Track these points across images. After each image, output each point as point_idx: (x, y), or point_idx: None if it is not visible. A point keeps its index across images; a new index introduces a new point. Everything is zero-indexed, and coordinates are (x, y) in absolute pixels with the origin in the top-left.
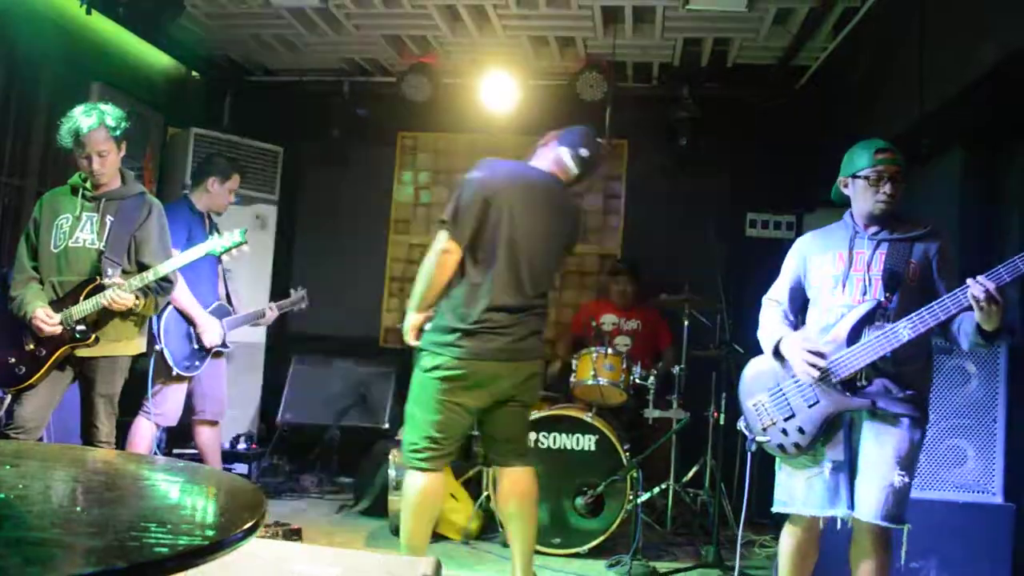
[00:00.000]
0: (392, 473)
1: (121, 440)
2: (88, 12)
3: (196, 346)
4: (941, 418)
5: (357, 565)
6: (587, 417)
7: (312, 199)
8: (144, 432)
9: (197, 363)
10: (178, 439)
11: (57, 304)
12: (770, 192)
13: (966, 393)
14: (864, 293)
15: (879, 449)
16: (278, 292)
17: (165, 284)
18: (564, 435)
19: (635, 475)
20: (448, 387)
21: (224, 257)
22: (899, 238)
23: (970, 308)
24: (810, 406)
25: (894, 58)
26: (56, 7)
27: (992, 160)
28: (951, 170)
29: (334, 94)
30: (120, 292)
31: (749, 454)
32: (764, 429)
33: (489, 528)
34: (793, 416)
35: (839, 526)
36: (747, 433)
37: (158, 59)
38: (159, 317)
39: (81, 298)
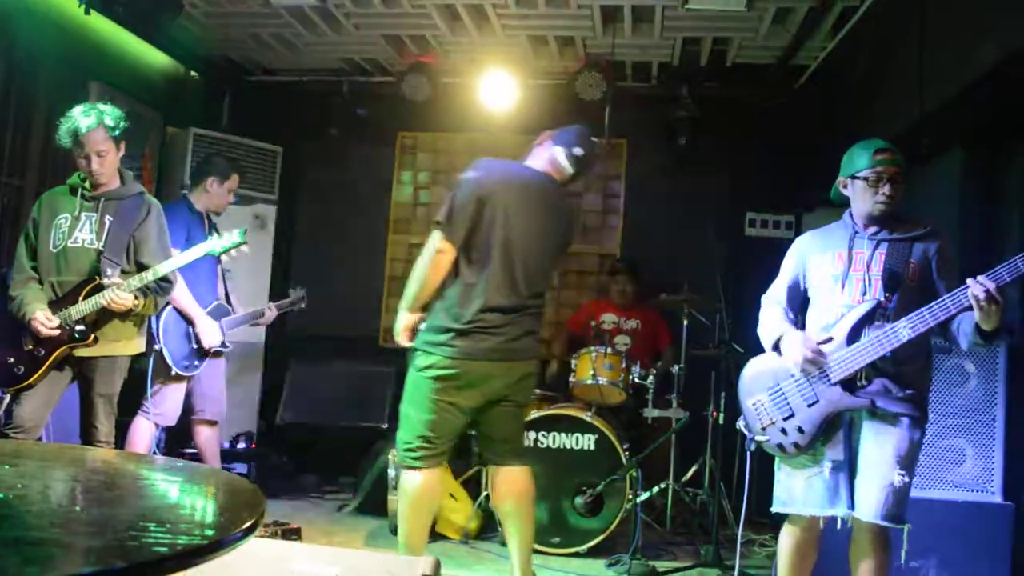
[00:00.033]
0: (391, 472)
1: (120, 440)
2: (87, 12)
3: (195, 346)
4: (940, 417)
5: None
6: (586, 416)
7: (311, 199)
8: (143, 432)
9: (196, 363)
10: (177, 439)
11: (56, 304)
12: (769, 192)
13: (965, 392)
14: (864, 293)
15: (879, 449)
16: (277, 292)
17: (164, 284)
18: (563, 434)
19: (634, 474)
20: (441, 386)
21: (223, 257)
22: (899, 238)
23: (970, 308)
24: (809, 405)
25: (893, 57)
26: (55, 7)
27: (992, 160)
28: (951, 170)
29: (333, 94)
30: (119, 292)
31: (748, 453)
32: (763, 428)
33: (488, 527)
34: (792, 415)
35: (839, 526)
36: (746, 432)
37: (157, 59)
38: (158, 317)
39: (80, 298)
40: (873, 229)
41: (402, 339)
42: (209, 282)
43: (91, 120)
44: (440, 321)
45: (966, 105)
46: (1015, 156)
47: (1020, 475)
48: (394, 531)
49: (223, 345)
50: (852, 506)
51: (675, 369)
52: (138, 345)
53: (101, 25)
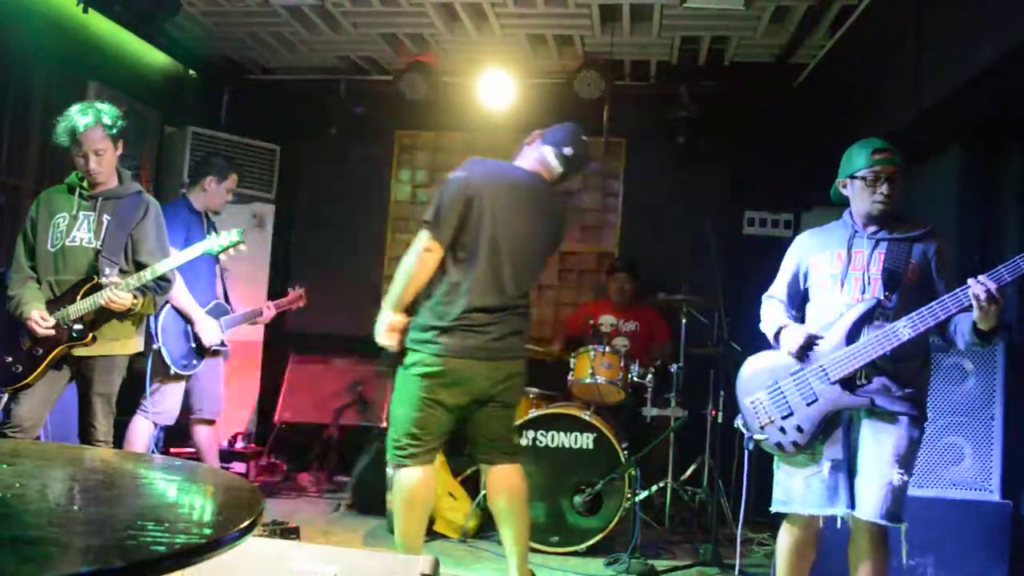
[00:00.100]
0: (389, 472)
1: (119, 439)
2: (85, 10)
3: (193, 345)
4: (938, 415)
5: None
6: (585, 415)
7: (310, 198)
8: (142, 431)
9: (194, 362)
10: (175, 438)
11: (54, 303)
12: (768, 190)
13: (964, 391)
14: (862, 292)
15: (878, 447)
16: (275, 291)
17: (163, 283)
18: (562, 433)
19: (633, 473)
20: (427, 384)
21: (221, 256)
22: (898, 238)
23: (970, 308)
24: (808, 404)
25: (891, 56)
26: (52, 5)
27: (990, 158)
28: (949, 168)
29: (331, 93)
30: (117, 291)
31: (747, 452)
32: (762, 427)
33: (487, 526)
34: (791, 414)
35: (839, 525)
36: (744, 431)
37: (155, 57)
38: (157, 316)
39: (78, 297)
40: (872, 228)
41: (384, 338)
42: (208, 281)
43: (89, 119)
44: (425, 319)
45: (964, 103)
46: (1013, 154)
47: (1018, 473)
48: (392, 530)
49: (222, 345)
50: (851, 505)
51: (674, 368)
52: (136, 344)
53: (99, 24)
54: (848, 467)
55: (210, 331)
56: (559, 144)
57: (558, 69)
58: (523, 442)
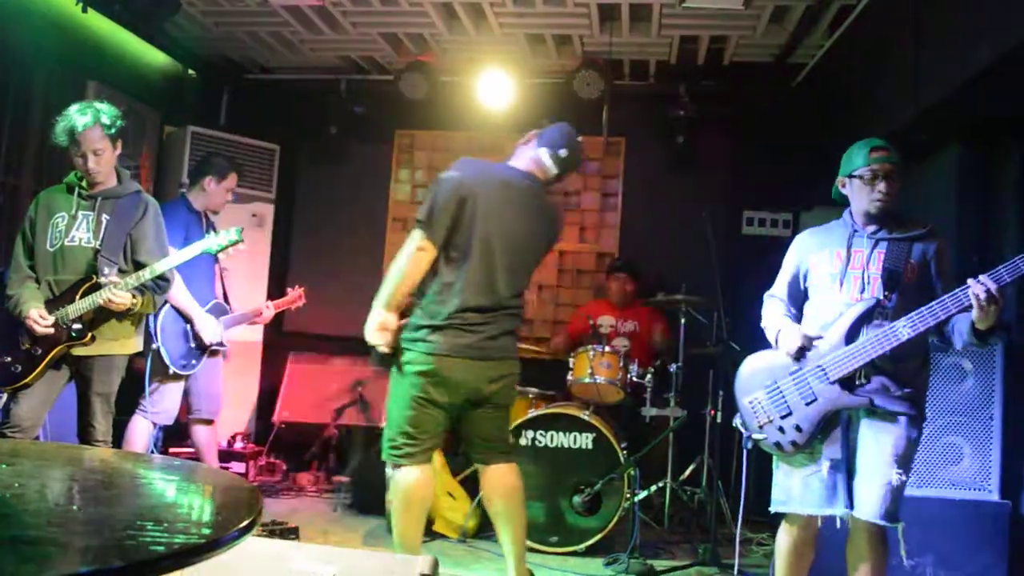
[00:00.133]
0: (389, 472)
1: (118, 439)
2: (84, 10)
3: (193, 344)
4: (937, 415)
5: (354, 564)
6: (584, 415)
7: (309, 197)
8: (141, 431)
9: (194, 362)
10: (175, 438)
11: (53, 303)
12: (767, 190)
13: (962, 390)
14: (861, 291)
15: (877, 447)
16: (275, 290)
17: (162, 282)
18: (561, 433)
19: (632, 473)
20: (419, 382)
21: (221, 256)
22: (898, 238)
23: (969, 308)
24: (807, 404)
25: (890, 55)
26: (52, 5)
27: (989, 156)
28: (948, 167)
29: (331, 92)
30: (117, 291)
31: (745, 452)
32: (760, 427)
33: (486, 526)
34: (790, 414)
35: (839, 525)
36: (743, 431)
37: (154, 57)
38: (156, 316)
39: (77, 297)
40: (872, 228)
41: (374, 336)
42: (207, 281)
43: (87, 118)
44: (418, 319)
45: (963, 102)
46: (1011, 152)
47: (1017, 473)
48: (391, 530)
49: (220, 345)
50: (850, 505)
51: (673, 368)
52: (136, 344)
53: (99, 23)
54: (847, 467)
55: (210, 329)
56: (555, 146)
57: (557, 69)
58: (522, 442)
